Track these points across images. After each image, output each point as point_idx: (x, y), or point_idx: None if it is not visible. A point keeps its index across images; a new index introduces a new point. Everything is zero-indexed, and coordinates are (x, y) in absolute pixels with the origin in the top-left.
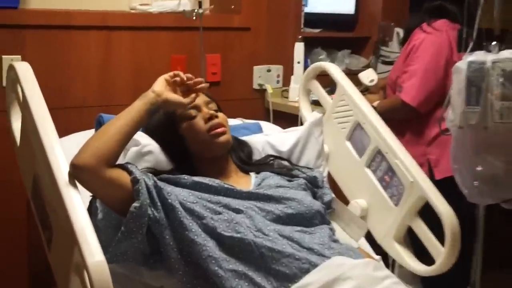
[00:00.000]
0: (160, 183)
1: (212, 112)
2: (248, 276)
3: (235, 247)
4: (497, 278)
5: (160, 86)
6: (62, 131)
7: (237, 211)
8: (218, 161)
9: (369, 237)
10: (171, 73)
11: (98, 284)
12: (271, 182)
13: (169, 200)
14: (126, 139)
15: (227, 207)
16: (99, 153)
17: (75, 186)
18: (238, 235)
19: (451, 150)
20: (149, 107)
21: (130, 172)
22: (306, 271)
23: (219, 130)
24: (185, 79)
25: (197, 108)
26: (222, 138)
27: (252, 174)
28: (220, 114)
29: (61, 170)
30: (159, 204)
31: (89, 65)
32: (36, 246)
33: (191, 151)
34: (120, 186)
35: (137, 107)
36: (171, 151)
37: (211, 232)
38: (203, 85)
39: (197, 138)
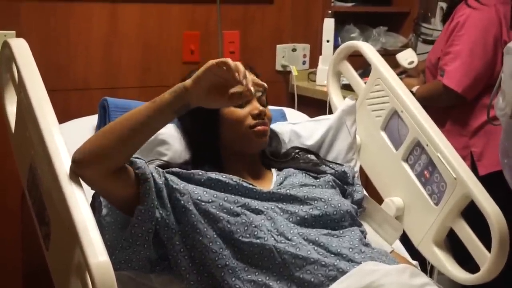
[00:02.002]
0: (172, 181)
1: (262, 109)
2: (269, 286)
3: (254, 254)
4: None
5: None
6: (62, 116)
7: (257, 211)
8: (247, 157)
9: (405, 240)
10: (218, 61)
11: (102, 287)
12: (295, 180)
13: (182, 202)
14: (140, 142)
15: (245, 207)
16: (104, 155)
17: (77, 178)
18: (258, 241)
19: (501, 142)
20: (176, 105)
21: (137, 168)
22: (334, 279)
23: (262, 130)
24: (236, 77)
25: (249, 97)
26: (263, 140)
27: (274, 171)
28: (268, 112)
29: (61, 161)
30: (169, 206)
31: (92, 42)
32: (31, 244)
33: (223, 139)
34: (126, 184)
35: (162, 102)
36: (200, 133)
37: (228, 237)
38: (259, 88)
39: (237, 129)
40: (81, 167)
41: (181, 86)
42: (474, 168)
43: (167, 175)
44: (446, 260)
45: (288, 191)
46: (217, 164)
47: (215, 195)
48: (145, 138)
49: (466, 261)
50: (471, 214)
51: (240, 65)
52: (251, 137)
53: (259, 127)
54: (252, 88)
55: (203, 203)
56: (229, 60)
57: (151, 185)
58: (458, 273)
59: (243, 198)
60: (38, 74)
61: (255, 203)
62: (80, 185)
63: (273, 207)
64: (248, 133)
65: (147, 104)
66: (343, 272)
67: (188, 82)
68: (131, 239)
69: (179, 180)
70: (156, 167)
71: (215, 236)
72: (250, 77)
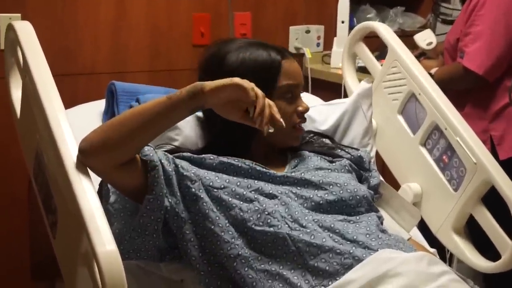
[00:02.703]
0: (182, 167)
1: (308, 107)
2: (283, 275)
3: (268, 243)
4: None
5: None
6: (69, 101)
7: (271, 196)
8: (273, 147)
9: (423, 227)
10: (243, 85)
11: (109, 276)
12: (310, 164)
13: (193, 190)
14: (151, 137)
15: (258, 191)
16: (112, 147)
17: (84, 166)
18: (271, 229)
19: None
20: (192, 105)
21: (145, 155)
22: (350, 267)
23: (302, 129)
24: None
25: (297, 93)
26: (299, 139)
27: (288, 154)
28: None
29: (67, 147)
30: (179, 194)
31: (99, 25)
32: (39, 232)
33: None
34: (133, 173)
35: (178, 100)
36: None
37: (240, 226)
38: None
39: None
40: (87, 158)
41: (199, 87)
42: (494, 153)
43: (177, 161)
44: (465, 248)
45: (302, 174)
46: (239, 151)
47: (227, 180)
48: (156, 133)
49: (487, 249)
50: (492, 200)
51: (262, 98)
52: (292, 135)
53: (300, 127)
54: (265, 128)
55: (215, 190)
56: (249, 91)
57: (160, 173)
58: (478, 261)
59: (256, 182)
60: (43, 58)
61: (268, 187)
62: (87, 173)
63: (287, 192)
64: (290, 131)
65: (161, 99)
66: (359, 260)
67: (208, 86)
68: (140, 229)
69: (189, 165)
70: (166, 153)
71: (227, 225)
72: (268, 112)
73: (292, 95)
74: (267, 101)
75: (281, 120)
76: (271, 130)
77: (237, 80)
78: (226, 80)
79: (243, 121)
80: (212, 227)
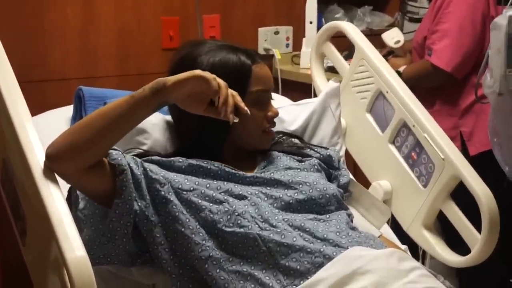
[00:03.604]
0: (151, 171)
1: (277, 112)
2: (254, 276)
3: (239, 244)
4: None
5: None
6: (38, 108)
7: (241, 197)
8: (243, 150)
9: (394, 224)
10: (203, 76)
11: (79, 282)
12: (279, 164)
13: (162, 193)
14: (117, 137)
15: (228, 192)
16: (79, 150)
17: (51, 172)
18: (242, 230)
19: (490, 121)
20: (155, 102)
21: (113, 159)
22: (320, 265)
23: (272, 133)
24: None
25: (267, 98)
26: (270, 142)
27: (257, 155)
28: None
29: (34, 154)
30: (148, 197)
31: (67, 30)
32: (8, 240)
33: (231, 134)
34: (102, 177)
35: (140, 98)
36: (210, 127)
37: (211, 227)
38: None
39: (250, 130)
40: (55, 162)
41: (162, 83)
42: (464, 149)
43: (146, 165)
44: (436, 243)
45: (272, 174)
46: (210, 155)
47: (196, 182)
48: (122, 133)
49: (458, 245)
50: (461, 196)
51: (224, 88)
52: (262, 139)
53: (270, 131)
54: (230, 117)
55: (184, 192)
56: (212, 81)
57: (128, 177)
58: (448, 256)
59: (226, 184)
60: (8, 65)
61: (238, 188)
62: (55, 179)
63: (257, 192)
64: (260, 136)
65: (125, 98)
66: (329, 258)
67: (170, 80)
68: (110, 234)
69: (158, 168)
70: (134, 157)
71: (198, 227)
72: (232, 101)
73: (263, 101)
74: (230, 90)
75: (246, 108)
76: (236, 120)
77: (198, 72)
78: (187, 73)
79: (207, 114)
80: (183, 229)
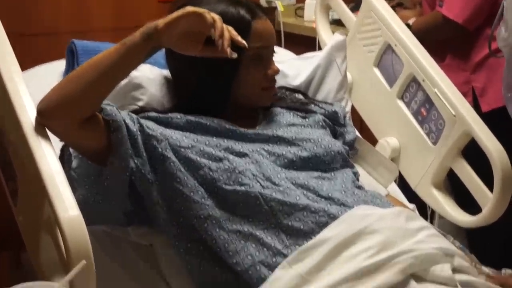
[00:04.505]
0: (148, 127)
1: (278, 69)
2: (256, 236)
3: (239, 203)
4: None
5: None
6: (29, 62)
7: (241, 155)
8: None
9: (402, 183)
10: (195, 11)
11: (73, 242)
12: (282, 120)
13: (159, 150)
14: (110, 87)
15: (228, 150)
16: (71, 103)
17: (43, 129)
18: (242, 188)
19: (504, 75)
20: (147, 47)
21: (107, 115)
22: (325, 225)
23: (274, 91)
24: (212, 33)
25: (268, 55)
26: (271, 99)
27: (259, 111)
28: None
29: (25, 110)
30: (145, 154)
31: None
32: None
33: (231, 91)
34: (96, 134)
35: (132, 43)
36: (211, 84)
37: (210, 186)
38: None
39: (250, 89)
40: (47, 118)
41: (153, 26)
42: (476, 105)
43: (142, 121)
44: (445, 203)
45: (274, 131)
46: (209, 112)
47: (195, 139)
48: (115, 82)
49: (468, 206)
50: (473, 154)
51: (218, 21)
52: (261, 97)
53: (271, 89)
54: (228, 51)
55: (182, 149)
56: (205, 14)
57: (124, 133)
58: (458, 215)
59: (226, 141)
60: None
61: (239, 146)
62: (47, 137)
63: (258, 149)
64: (259, 93)
65: (116, 46)
66: (334, 218)
67: (161, 23)
68: (105, 192)
69: (155, 125)
70: (130, 113)
71: (196, 185)
72: (228, 34)
73: (262, 58)
74: (225, 25)
75: (243, 41)
76: (234, 56)
77: (189, 8)
78: (178, 12)
79: (203, 54)
80: (181, 188)
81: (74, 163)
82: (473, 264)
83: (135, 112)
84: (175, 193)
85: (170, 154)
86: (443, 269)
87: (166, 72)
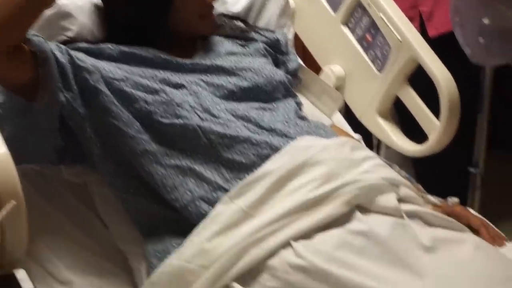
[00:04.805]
0: (78, 58)
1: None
2: (195, 170)
3: (177, 136)
4: (506, 158)
5: None
6: None
7: (178, 86)
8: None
9: (347, 113)
10: None
11: (2, 182)
12: (221, 49)
13: (91, 82)
14: (35, 11)
15: (165, 82)
16: None
17: None
18: (180, 121)
19: None
20: None
21: (34, 46)
22: (267, 157)
23: (212, 16)
24: None
25: None
26: (211, 27)
27: (198, 41)
28: None
29: None
30: (75, 88)
31: None
32: None
33: (168, 19)
34: (23, 65)
35: None
36: (139, 6)
37: (146, 119)
38: None
39: (185, 14)
40: None
41: None
42: (423, 31)
43: (72, 52)
44: (391, 132)
45: (213, 61)
46: (144, 41)
47: (129, 71)
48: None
49: (415, 134)
50: (420, 81)
51: None
52: (200, 25)
53: (210, 16)
54: None
55: (116, 82)
56: None
57: (52, 65)
58: (405, 144)
59: (161, 72)
60: None
61: (175, 77)
62: None
63: (196, 80)
64: (197, 21)
65: None
66: (276, 150)
67: None
68: (34, 128)
69: (86, 56)
70: (58, 44)
71: (131, 119)
72: None
73: None
74: None
75: None
76: None
77: None
78: None
79: None
80: (115, 122)
81: (0, 99)
82: (419, 194)
83: (64, 43)
84: (109, 127)
85: (102, 87)
86: (389, 200)
87: (98, 1)
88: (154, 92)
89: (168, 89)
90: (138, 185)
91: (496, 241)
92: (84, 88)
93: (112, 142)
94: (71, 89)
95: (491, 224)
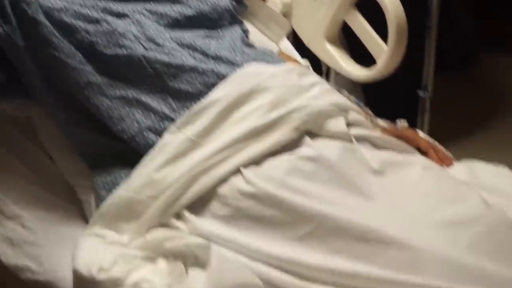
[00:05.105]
0: None
1: None
2: (141, 101)
3: (121, 67)
4: (454, 81)
5: None
6: None
7: (121, 15)
8: None
9: (294, 39)
10: None
11: None
12: None
13: (29, 13)
14: None
15: (106, 11)
16: None
17: None
18: (124, 51)
19: None
20: None
21: None
22: (213, 86)
23: None
24: None
25: None
26: None
27: None
28: None
29: None
30: (13, 19)
31: None
32: None
33: None
34: None
35: None
36: None
37: (88, 50)
38: None
39: None
40: None
41: None
42: None
43: None
44: (340, 57)
45: None
46: None
47: (69, 0)
48: None
49: (364, 60)
50: (368, 6)
51: None
52: None
53: None
54: None
55: (55, 12)
56: None
57: None
58: (353, 69)
59: (102, 1)
60: None
61: (117, 6)
62: None
63: (139, 9)
64: None
65: None
66: (223, 78)
67: None
68: None
69: None
70: None
71: (73, 50)
72: None
73: None
74: None
75: None
76: None
77: None
78: None
79: None
80: (56, 53)
81: None
82: (368, 118)
83: None
84: (50, 59)
85: (42, 17)
86: (338, 124)
87: None
88: (96, 21)
89: (110, 18)
90: (84, 118)
91: (444, 162)
92: (22, 19)
93: (54, 74)
94: (9, 22)
95: (440, 146)
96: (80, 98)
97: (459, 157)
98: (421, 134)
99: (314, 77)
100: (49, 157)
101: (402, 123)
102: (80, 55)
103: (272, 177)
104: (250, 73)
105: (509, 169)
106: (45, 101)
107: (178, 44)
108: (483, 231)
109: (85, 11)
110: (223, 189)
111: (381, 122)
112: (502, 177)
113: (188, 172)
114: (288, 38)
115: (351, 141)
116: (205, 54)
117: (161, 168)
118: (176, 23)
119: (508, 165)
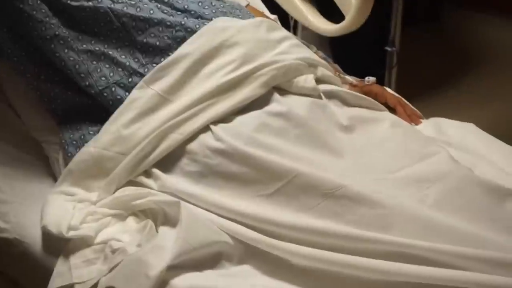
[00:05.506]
0: None
1: None
2: (109, 55)
3: (88, 20)
4: (419, 35)
5: None
6: None
7: None
8: None
9: None
10: None
11: None
12: None
13: None
14: None
15: None
16: None
17: None
18: (90, 3)
19: None
20: None
21: None
22: (182, 40)
23: None
24: None
25: None
26: None
27: None
28: None
29: None
30: None
31: None
32: None
33: None
34: None
35: None
36: None
37: (54, 2)
38: None
39: None
40: None
41: None
42: None
43: None
44: (308, 12)
45: None
46: None
47: None
48: None
49: (333, 14)
50: None
51: None
52: None
53: None
54: None
55: None
56: None
57: None
58: (321, 24)
59: None
60: None
61: None
62: None
63: None
64: None
65: None
66: (192, 32)
67: None
68: None
69: None
70: None
71: (38, 2)
72: None
73: None
74: None
75: None
76: None
77: None
78: None
79: None
80: (21, 6)
81: None
82: (337, 74)
83: None
84: (15, 13)
85: None
86: (307, 80)
87: None
88: None
89: None
90: (51, 72)
91: (412, 118)
92: None
93: (19, 28)
94: None
95: (408, 102)
96: (47, 52)
97: (425, 112)
98: (389, 90)
99: (282, 32)
100: (16, 113)
101: (370, 79)
102: (46, 7)
103: (241, 133)
104: (219, 27)
105: (475, 125)
106: (11, 56)
107: None
108: (451, 188)
109: None
110: (192, 146)
111: (349, 77)
112: (469, 134)
113: (157, 128)
114: None
115: (320, 97)
116: (173, 7)
117: (130, 124)
118: None
119: (474, 121)
